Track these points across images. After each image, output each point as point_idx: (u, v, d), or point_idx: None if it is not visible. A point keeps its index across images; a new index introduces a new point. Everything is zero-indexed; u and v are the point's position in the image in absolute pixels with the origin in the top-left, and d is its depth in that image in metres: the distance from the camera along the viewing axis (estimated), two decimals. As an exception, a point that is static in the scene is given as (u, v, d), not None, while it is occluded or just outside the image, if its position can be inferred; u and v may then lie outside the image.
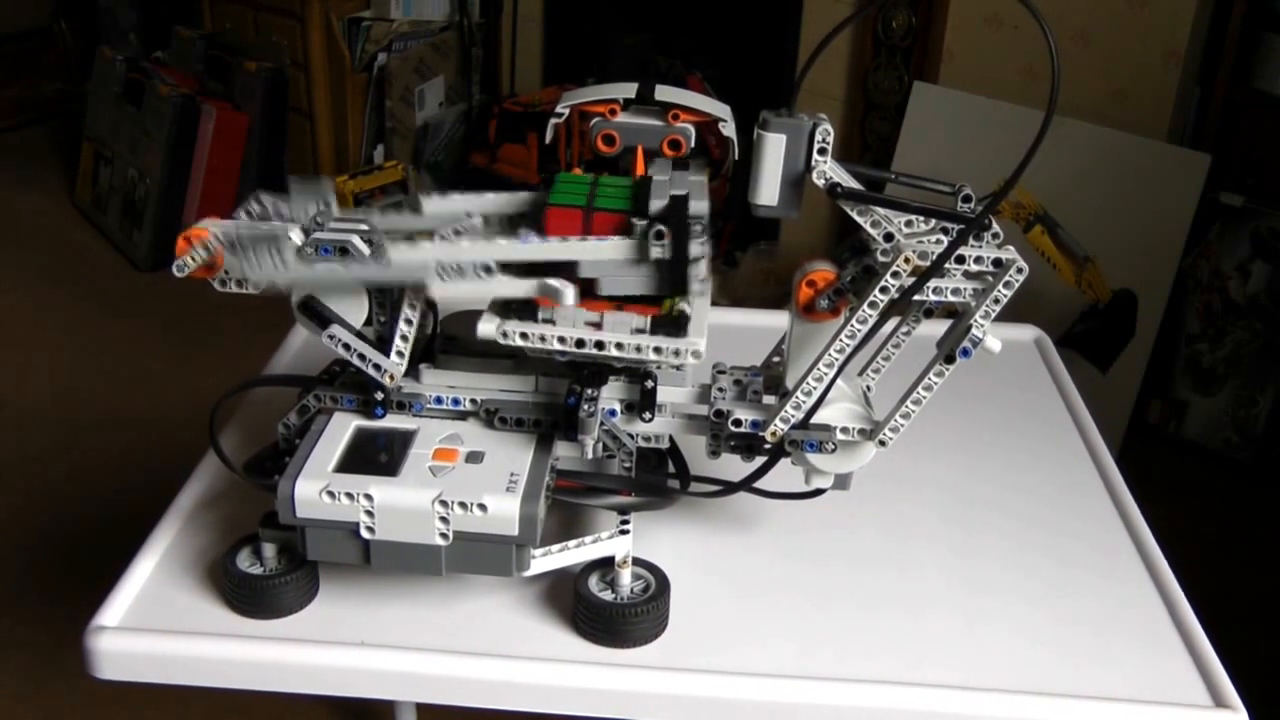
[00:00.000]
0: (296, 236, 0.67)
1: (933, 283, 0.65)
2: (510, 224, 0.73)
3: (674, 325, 0.65)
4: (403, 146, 2.74)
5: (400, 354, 0.68)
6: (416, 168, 2.74)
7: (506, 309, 0.67)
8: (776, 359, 0.76)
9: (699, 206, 0.63)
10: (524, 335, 0.66)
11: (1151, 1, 2.02)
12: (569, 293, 0.63)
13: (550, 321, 0.66)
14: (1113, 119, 2.08)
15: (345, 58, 2.62)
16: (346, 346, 0.68)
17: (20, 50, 3.49)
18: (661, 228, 0.62)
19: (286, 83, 2.69)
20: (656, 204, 0.63)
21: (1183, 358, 2.13)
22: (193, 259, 0.67)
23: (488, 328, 0.66)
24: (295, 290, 0.68)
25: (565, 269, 0.64)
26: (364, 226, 0.66)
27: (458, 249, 0.65)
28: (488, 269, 0.65)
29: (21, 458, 2.02)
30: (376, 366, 0.68)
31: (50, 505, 1.89)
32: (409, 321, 0.68)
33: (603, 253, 0.64)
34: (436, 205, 0.72)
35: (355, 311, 0.69)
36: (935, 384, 0.66)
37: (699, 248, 0.62)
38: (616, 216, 0.65)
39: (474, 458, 0.68)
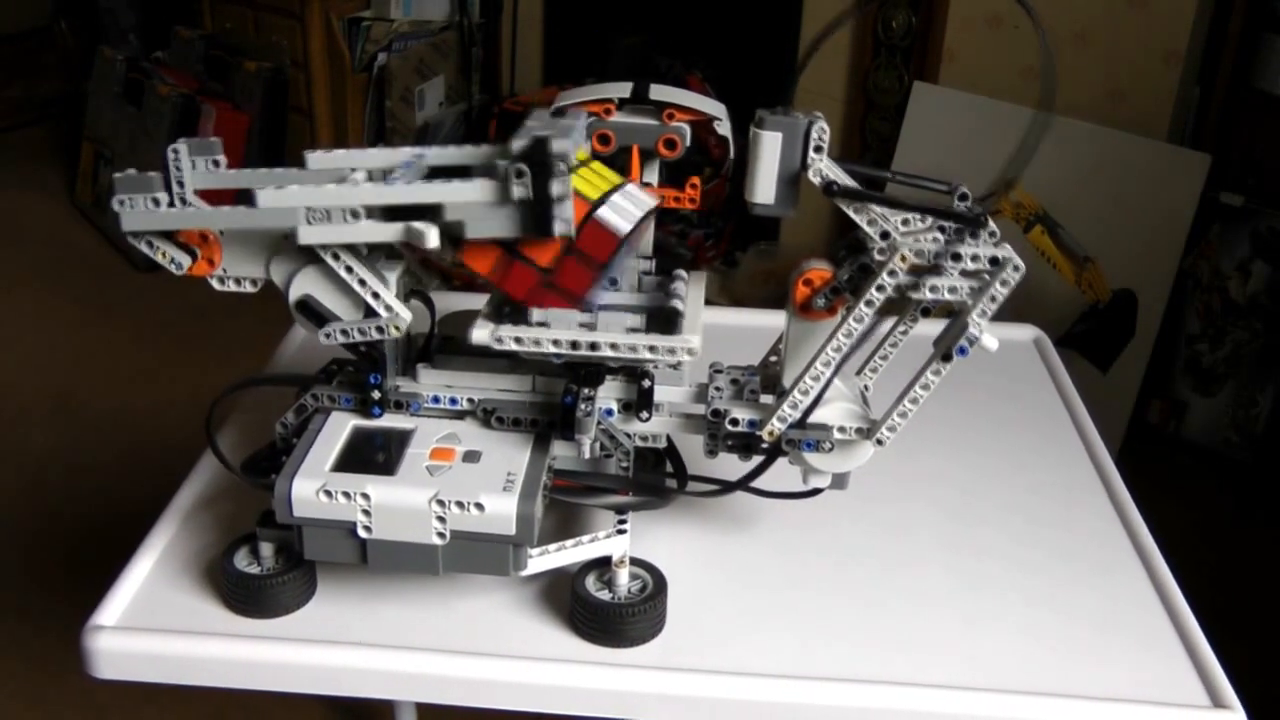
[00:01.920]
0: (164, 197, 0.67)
1: (930, 281, 0.64)
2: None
3: (668, 323, 0.64)
4: (403, 146, 2.74)
5: (389, 307, 0.68)
6: (416, 168, 2.74)
7: (499, 313, 0.67)
8: (774, 358, 0.76)
9: (561, 145, 0.61)
10: (518, 340, 0.66)
11: (1151, 1, 2.02)
12: (432, 233, 0.62)
13: (543, 324, 0.66)
14: (1113, 119, 2.08)
15: (345, 57, 2.62)
16: (345, 333, 0.68)
17: (20, 50, 3.49)
18: (521, 166, 0.61)
19: (286, 83, 2.69)
20: (518, 144, 0.62)
21: (1183, 358, 2.13)
22: (162, 255, 0.67)
23: (481, 334, 0.66)
24: (291, 287, 0.68)
25: (431, 214, 0.64)
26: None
27: (324, 194, 0.64)
28: (354, 214, 0.64)
29: (21, 457, 2.02)
30: (379, 329, 0.68)
31: (49, 504, 1.89)
32: (379, 278, 0.68)
33: (464, 194, 0.63)
34: (320, 161, 0.72)
35: (351, 312, 0.69)
36: (933, 383, 0.66)
37: (560, 186, 0.61)
38: (582, 204, 0.64)
39: (471, 457, 0.68)
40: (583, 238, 0.63)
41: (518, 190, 0.61)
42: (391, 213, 0.64)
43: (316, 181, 0.67)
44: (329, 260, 0.67)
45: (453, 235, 0.64)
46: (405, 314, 0.68)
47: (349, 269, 0.67)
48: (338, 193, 0.64)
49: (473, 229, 0.63)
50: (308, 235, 0.65)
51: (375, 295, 0.68)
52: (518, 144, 0.62)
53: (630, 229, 0.65)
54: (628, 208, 0.65)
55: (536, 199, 0.61)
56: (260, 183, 0.68)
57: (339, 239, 0.65)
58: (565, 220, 0.62)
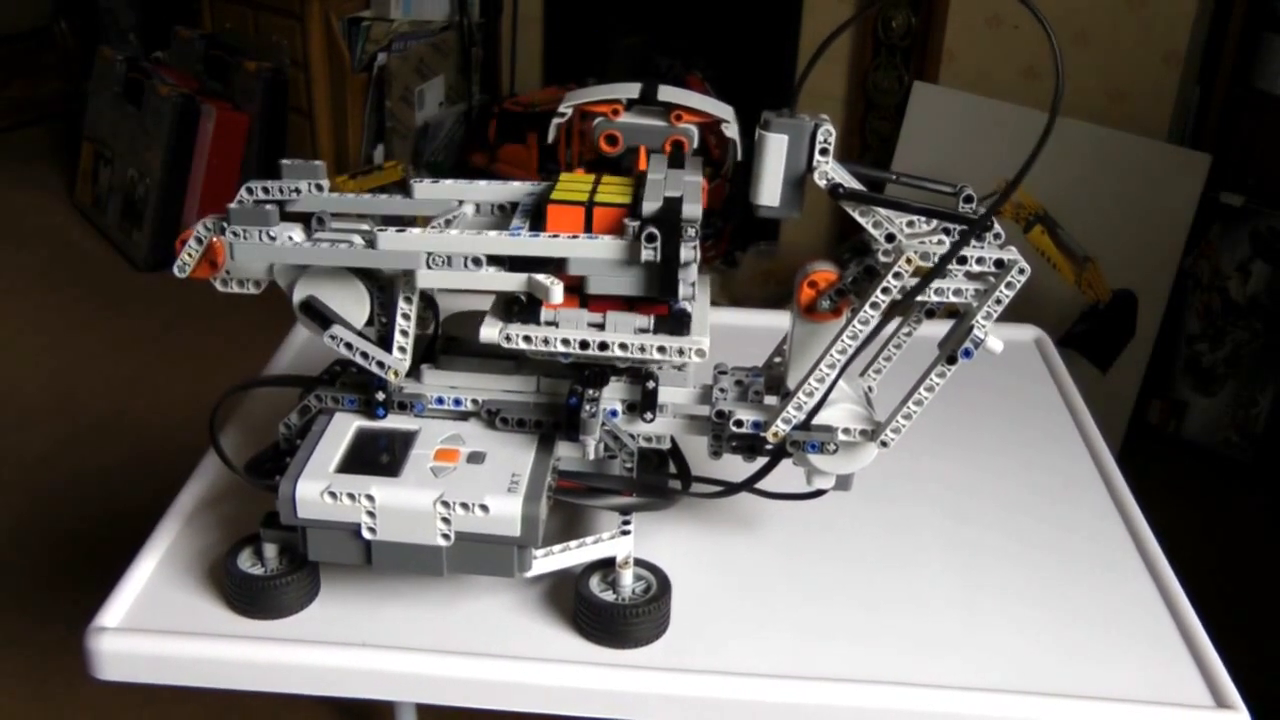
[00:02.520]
0: (298, 235, 0.67)
1: (934, 283, 0.64)
2: (499, 213, 0.73)
3: (677, 324, 0.65)
4: (403, 146, 2.74)
5: (402, 349, 0.68)
6: (416, 168, 2.74)
7: (509, 312, 0.67)
8: (778, 359, 0.76)
9: (692, 210, 0.62)
10: (527, 339, 0.66)
11: (1151, 1, 2.02)
12: (556, 290, 0.63)
13: (553, 324, 0.66)
14: (1113, 119, 2.08)
15: (345, 58, 2.62)
16: (349, 346, 0.68)
17: (20, 50, 3.49)
18: (653, 230, 0.61)
19: (286, 83, 2.69)
20: (650, 205, 0.63)
21: (1183, 358, 2.13)
22: (189, 255, 0.67)
23: (490, 332, 0.66)
24: (295, 288, 0.68)
25: (554, 265, 0.64)
26: (365, 228, 0.67)
27: (448, 240, 0.65)
28: (476, 261, 0.65)
29: (21, 458, 2.02)
30: (380, 364, 0.68)
31: (50, 505, 1.89)
32: (406, 316, 0.68)
33: (593, 251, 0.63)
34: (427, 191, 0.72)
35: (357, 312, 0.69)
36: (937, 385, 0.66)
37: (689, 252, 0.62)
38: (616, 211, 0.65)
39: (475, 458, 0.68)
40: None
41: (647, 254, 0.62)
42: (513, 262, 0.65)
43: (424, 211, 0.68)
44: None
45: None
46: (406, 364, 0.69)
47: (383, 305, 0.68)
48: (460, 240, 0.65)
49: (596, 285, 0.64)
50: (426, 279, 0.65)
51: (404, 333, 0.68)
52: (649, 206, 0.62)
53: None
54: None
55: (665, 262, 0.62)
56: (367, 209, 0.68)
57: (459, 284, 0.65)
58: (690, 284, 0.63)
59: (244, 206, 0.67)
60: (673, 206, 0.62)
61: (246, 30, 2.76)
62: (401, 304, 0.68)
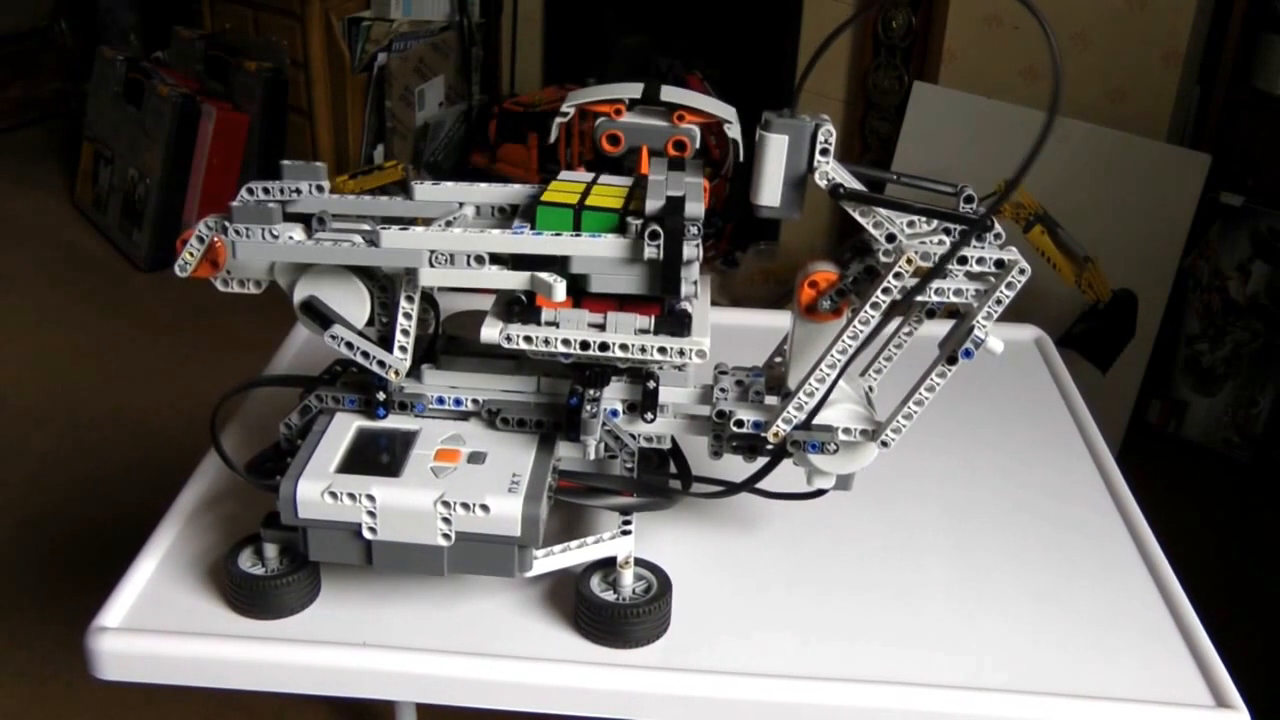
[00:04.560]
0: (299, 235, 0.67)
1: (935, 283, 0.64)
2: (499, 215, 0.73)
3: (677, 325, 0.65)
4: (403, 146, 2.74)
5: (403, 349, 0.68)
6: (416, 168, 2.74)
7: (509, 312, 0.67)
8: (778, 359, 0.76)
9: (694, 209, 0.62)
10: (527, 339, 0.66)
11: (1151, 1, 2.02)
12: (559, 287, 0.63)
13: (553, 324, 0.66)
14: (1113, 119, 2.08)
15: (345, 58, 2.62)
16: (349, 345, 0.68)
17: (20, 50, 3.49)
18: (656, 228, 0.62)
19: (286, 83, 2.69)
20: (653, 204, 0.63)
21: (1183, 358, 2.13)
22: (190, 255, 0.67)
23: (491, 332, 0.66)
24: (296, 288, 0.68)
25: (557, 264, 0.64)
26: (366, 228, 0.67)
27: (450, 238, 0.65)
28: (479, 259, 0.65)
29: (22, 458, 2.02)
30: (381, 363, 0.68)
31: (51, 505, 1.89)
32: (408, 315, 0.68)
33: (595, 249, 0.63)
34: (428, 192, 0.72)
35: (357, 312, 0.69)
36: (938, 385, 0.66)
37: (692, 250, 0.62)
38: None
39: (476, 458, 0.68)
40: None
41: (649, 251, 0.62)
42: (517, 260, 0.65)
43: (425, 213, 0.68)
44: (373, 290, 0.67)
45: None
46: (406, 364, 0.69)
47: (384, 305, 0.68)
48: (463, 238, 0.65)
49: (599, 283, 0.64)
50: (429, 277, 0.65)
51: (405, 332, 0.68)
52: (652, 204, 0.62)
53: None
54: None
55: (667, 260, 0.62)
56: (368, 210, 0.69)
57: (461, 283, 0.66)
58: (692, 283, 0.62)
59: (246, 205, 0.67)
60: (676, 205, 0.62)
61: (246, 30, 2.76)
62: (403, 303, 0.68)
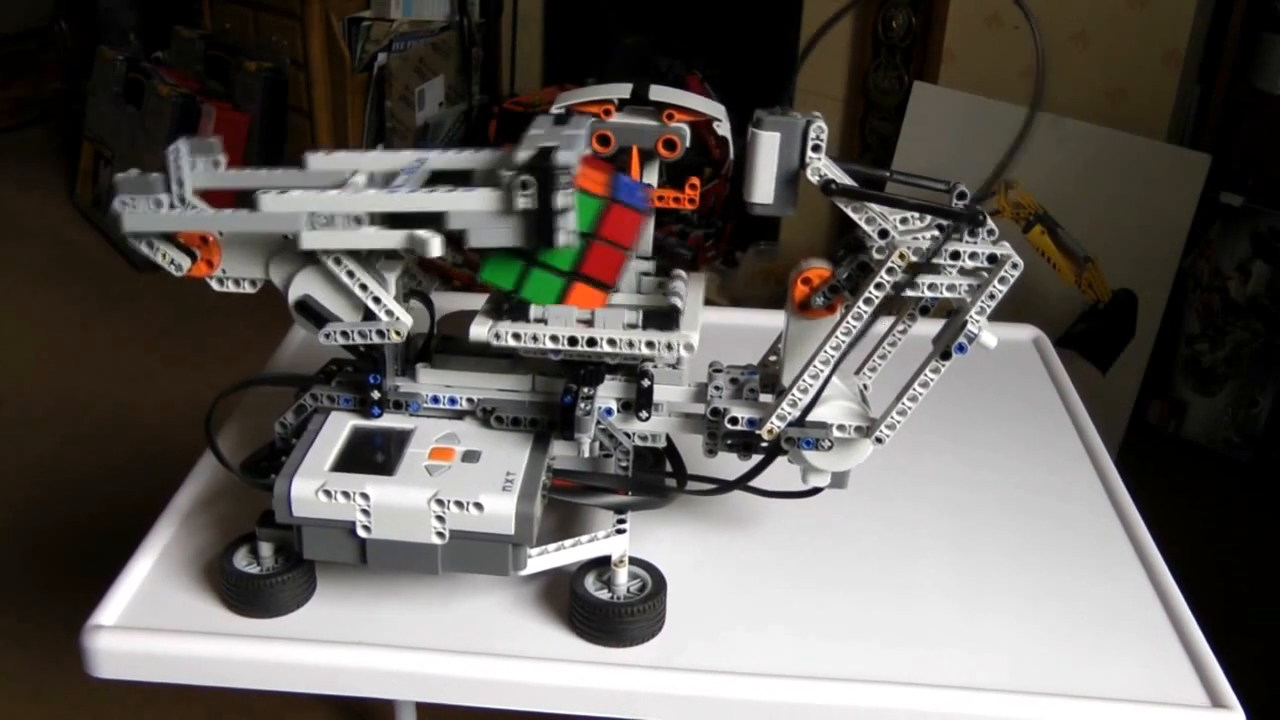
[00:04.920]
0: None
1: (928, 279, 0.65)
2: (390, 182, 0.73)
3: (666, 320, 0.65)
4: (403, 146, 2.73)
5: (390, 312, 0.68)
6: (416, 168, 2.74)
7: (498, 310, 0.67)
8: (773, 358, 0.76)
9: (566, 157, 0.61)
10: (516, 336, 0.66)
11: (1151, 1, 2.02)
12: (435, 242, 0.63)
13: (542, 321, 0.66)
14: (1113, 119, 2.07)
15: (345, 58, 2.62)
16: (344, 334, 0.68)
17: (20, 50, 3.49)
18: (527, 178, 0.61)
19: (286, 83, 2.69)
20: (523, 154, 0.62)
21: (1183, 358, 2.13)
22: (159, 255, 0.67)
23: (479, 330, 0.66)
24: (291, 287, 0.68)
25: (435, 222, 0.64)
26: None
27: (328, 200, 0.65)
28: (358, 220, 0.65)
29: (21, 458, 2.02)
30: (379, 333, 0.68)
31: (49, 504, 1.89)
32: (381, 282, 0.68)
33: (469, 204, 0.63)
34: (321, 162, 0.72)
35: (351, 313, 0.69)
36: (931, 380, 0.66)
37: (565, 198, 0.62)
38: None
39: (470, 457, 0.68)
40: (607, 225, 0.64)
41: (522, 201, 0.61)
42: (395, 220, 0.65)
43: (317, 183, 0.67)
44: (330, 265, 0.67)
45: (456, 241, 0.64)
46: (406, 319, 0.68)
47: (350, 273, 0.67)
48: (341, 199, 0.65)
49: (476, 238, 0.63)
50: (310, 240, 0.65)
51: (376, 300, 0.68)
52: (522, 154, 0.62)
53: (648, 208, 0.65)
54: (636, 190, 0.66)
55: (541, 210, 0.61)
56: (261, 183, 0.68)
57: (341, 245, 0.65)
58: (569, 231, 0.62)
59: (130, 176, 0.67)
60: (546, 153, 0.61)
61: (246, 30, 2.76)
62: (362, 279, 0.67)
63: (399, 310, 0.68)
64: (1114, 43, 2.06)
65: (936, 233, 0.65)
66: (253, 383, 0.86)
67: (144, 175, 0.67)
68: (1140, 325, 2.07)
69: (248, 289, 0.70)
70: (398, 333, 0.68)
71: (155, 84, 2.73)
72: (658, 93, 0.70)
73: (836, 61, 2.37)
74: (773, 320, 1.08)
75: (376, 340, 0.69)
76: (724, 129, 0.71)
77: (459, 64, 2.80)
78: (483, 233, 0.63)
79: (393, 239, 0.64)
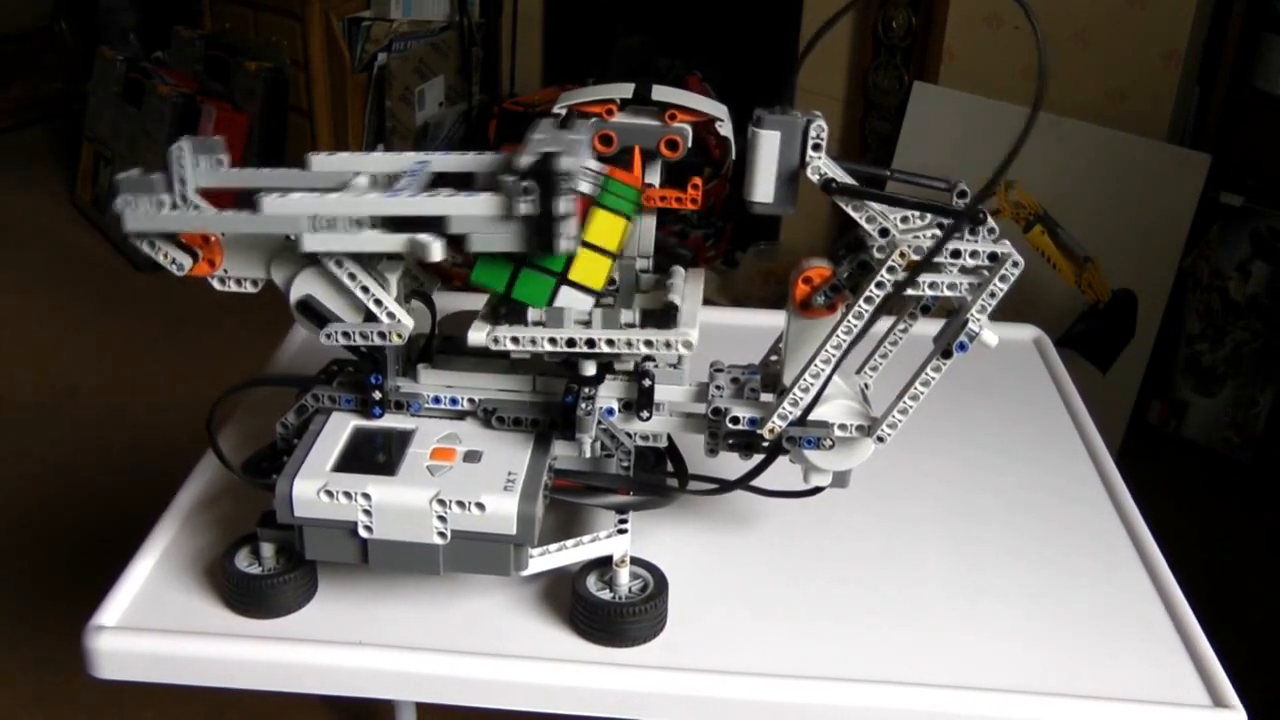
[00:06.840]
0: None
1: (928, 278, 0.65)
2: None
3: (665, 318, 0.65)
4: (403, 147, 2.74)
5: (391, 315, 0.68)
6: (416, 168, 2.74)
7: (496, 314, 0.67)
8: (774, 357, 0.76)
9: (568, 162, 0.62)
10: (514, 340, 0.66)
11: (1151, 1, 2.02)
12: (436, 246, 0.63)
13: (540, 324, 0.66)
14: (1113, 119, 2.07)
15: (345, 58, 2.62)
16: (346, 335, 0.68)
17: (20, 50, 3.49)
18: (528, 183, 0.61)
19: (286, 83, 2.69)
20: (526, 160, 0.62)
21: (1183, 358, 2.13)
22: (161, 255, 0.67)
23: (478, 335, 0.66)
24: (292, 287, 0.68)
25: (437, 225, 0.64)
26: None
27: (330, 203, 0.65)
28: (359, 223, 0.65)
29: (21, 458, 2.02)
30: (381, 335, 0.68)
31: (49, 505, 1.89)
32: (382, 283, 0.68)
33: (470, 209, 0.63)
34: (324, 164, 0.72)
35: (352, 314, 0.69)
36: (933, 379, 0.66)
37: (566, 204, 0.62)
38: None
39: (472, 457, 0.68)
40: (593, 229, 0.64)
41: (524, 207, 0.62)
42: (396, 223, 0.65)
43: (319, 184, 0.67)
44: (332, 266, 0.67)
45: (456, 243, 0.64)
46: (408, 321, 0.68)
47: (352, 275, 0.67)
48: (342, 202, 0.65)
49: (477, 243, 0.63)
50: (311, 243, 0.65)
51: (378, 302, 0.68)
52: (525, 160, 0.62)
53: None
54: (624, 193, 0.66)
55: (542, 215, 0.62)
56: (263, 183, 0.68)
57: (342, 248, 0.65)
58: (570, 238, 0.62)
59: (132, 176, 0.67)
60: (548, 158, 0.61)
61: (246, 30, 2.76)
62: (363, 280, 0.67)
63: (400, 312, 0.68)
64: (1114, 43, 2.06)
65: (937, 231, 0.65)
66: (255, 383, 0.86)
67: (146, 175, 0.67)
68: (1140, 325, 2.07)
69: (249, 289, 0.70)
70: (399, 335, 0.68)
71: (155, 84, 2.73)
72: (660, 93, 0.70)
73: (836, 61, 2.37)
74: (773, 320, 1.08)
75: (378, 342, 0.69)
76: (725, 129, 0.71)
77: (459, 64, 2.80)
78: (484, 238, 0.63)
79: (393, 242, 0.64)
